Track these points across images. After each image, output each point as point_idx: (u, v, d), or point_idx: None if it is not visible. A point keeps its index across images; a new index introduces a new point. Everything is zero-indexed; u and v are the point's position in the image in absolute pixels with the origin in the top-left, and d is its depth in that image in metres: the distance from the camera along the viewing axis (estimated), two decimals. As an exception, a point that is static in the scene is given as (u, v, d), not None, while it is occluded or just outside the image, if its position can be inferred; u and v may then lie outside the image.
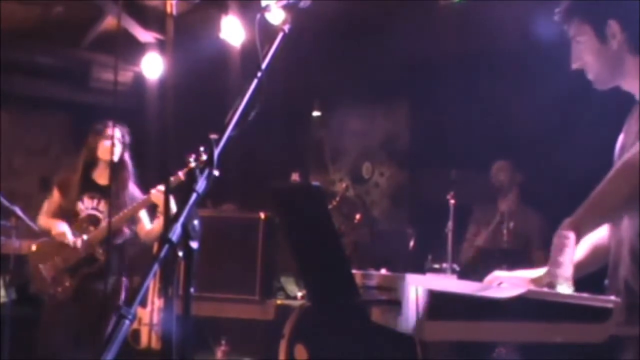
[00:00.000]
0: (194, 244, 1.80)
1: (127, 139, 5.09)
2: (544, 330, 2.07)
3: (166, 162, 4.68)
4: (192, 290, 1.84)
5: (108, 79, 7.69)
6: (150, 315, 6.24)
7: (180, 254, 1.78)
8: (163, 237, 1.74)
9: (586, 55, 2.41)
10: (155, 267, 1.70)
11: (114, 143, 4.89)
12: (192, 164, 4.72)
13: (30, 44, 7.54)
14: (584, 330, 2.06)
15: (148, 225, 5.06)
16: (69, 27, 7.33)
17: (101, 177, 5.04)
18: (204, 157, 4.53)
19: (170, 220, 1.77)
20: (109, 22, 7.13)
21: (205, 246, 1.89)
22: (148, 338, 6.22)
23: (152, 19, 6.99)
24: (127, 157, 5.08)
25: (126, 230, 5.02)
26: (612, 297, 2.09)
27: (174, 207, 4.79)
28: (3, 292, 5.60)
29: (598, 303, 2.07)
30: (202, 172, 1.86)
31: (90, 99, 7.92)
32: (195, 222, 1.80)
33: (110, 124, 5.00)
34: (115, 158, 4.97)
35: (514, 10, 5.64)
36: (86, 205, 4.96)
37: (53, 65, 7.95)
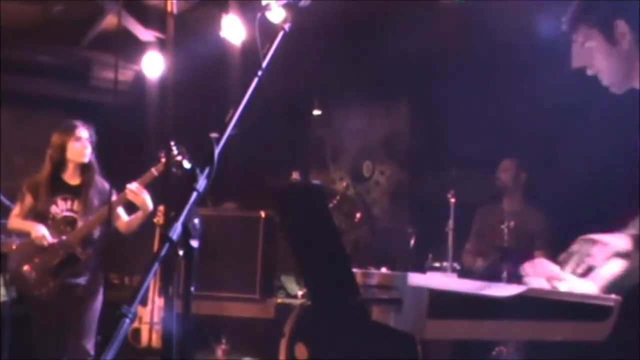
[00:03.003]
0: (195, 243, 1.80)
1: (94, 138, 5.08)
2: (544, 329, 2.07)
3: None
4: (192, 288, 1.84)
5: (108, 77, 7.69)
6: (150, 314, 6.24)
7: (181, 252, 1.78)
8: (163, 236, 1.74)
9: (598, 61, 2.36)
10: (156, 266, 1.70)
11: (85, 145, 4.96)
12: (164, 160, 4.79)
13: (30, 42, 7.54)
14: (584, 328, 2.06)
15: (125, 217, 5.07)
16: (69, 26, 7.32)
17: (71, 178, 5.03)
18: (176, 152, 4.61)
19: (170, 219, 1.77)
20: (110, 20, 7.13)
21: (206, 245, 1.89)
22: (148, 337, 6.23)
23: (153, 17, 6.98)
24: (93, 157, 5.07)
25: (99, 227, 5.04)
26: (613, 296, 2.09)
27: (149, 203, 4.88)
28: (3, 291, 5.60)
29: (598, 301, 2.07)
30: (201, 170, 1.86)
31: (91, 97, 7.92)
32: (196, 220, 1.80)
33: (79, 123, 5.00)
34: (86, 159, 4.99)
35: (515, 10, 5.64)
36: (61, 208, 4.96)
37: (53, 64, 7.95)
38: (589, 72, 2.41)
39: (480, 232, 5.88)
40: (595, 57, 2.36)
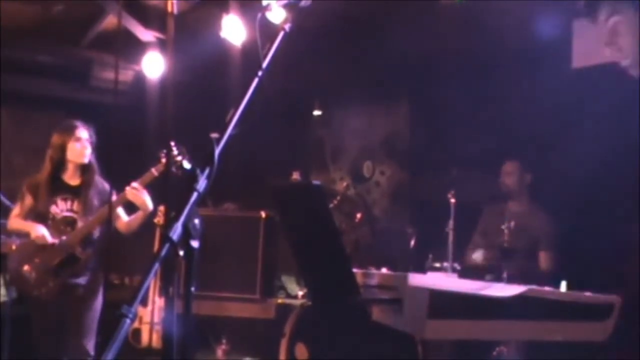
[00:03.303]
0: (195, 243, 1.80)
1: (94, 138, 5.07)
2: (545, 329, 2.07)
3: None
4: (192, 289, 1.84)
5: (109, 77, 7.68)
6: (151, 314, 6.24)
7: (181, 253, 1.78)
8: (164, 236, 1.74)
9: (623, 36, 2.30)
10: (156, 266, 1.70)
11: (85, 145, 4.95)
12: (164, 160, 4.79)
13: (30, 42, 7.53)
14: (585, 328, 2.06)
15: (125, 218, 5.07)
16: (69, 26, 7.32)
17: (71, 178, 5.02)
18: (176, 152, 4.61)
19: (170, 219, 1.77)
20: (110, 20, 7.13)
21: (206, 245, 1.89)
22: (149, 337, 6.23)
23: (153, 17, 6.97)
24: (93, 157, 5.06)
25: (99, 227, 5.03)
26: (613, 296, 2.09)
27: (149, 203, 4.88)
28: (3, 291, 5.60)
29: (599, 301, 2.07)
30: (202, 171, 1.86)
31: (91, 97, 7.92)
32: (196, 221, 1.80)
33: (79, 124, 4.99)
34: (86, 160, 4.98)
35: (515, 10, 5.64)
36: (61, 208, 4.96)
37: (53, 64, 7.94)
38: (609, 52, 2.34)
39: (485, 231, 5.88)
40: (620, 31, 2.29)
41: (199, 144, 1.96)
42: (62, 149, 4.96)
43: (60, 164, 4.99)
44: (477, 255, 5.69)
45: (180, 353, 1.82)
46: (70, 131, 4.97)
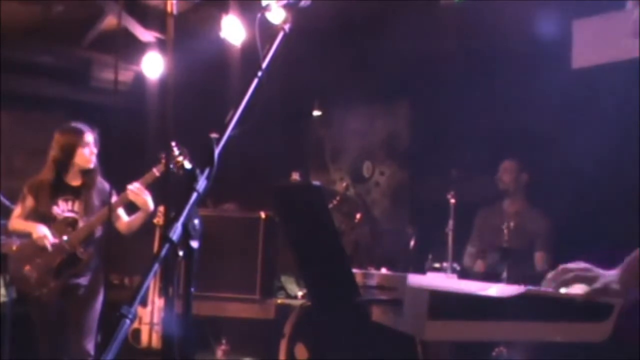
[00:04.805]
0: (195, 243, 1.80)
1: (98, 141, 5.07)
2: (544, 329, 2.07)
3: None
4: (192, 289, 1.84)
5: (108, 78, 7.69)
6: (150, 314, 6.24)
7: (181, 253, 1.78)
8: (164, 236, 1.74)
9: None
10: (156, 267, 1.70)
11: (92, 151, 4.97)
12: (164, 161, 4.79)
13: (30, 43, 7.54)
14: (585, 328, 2.05)
15: (126, 218, 5.07)
16: (69, 27, 7.32)
17: (73, 179, 5.02)
18: (177, 153, 4.61)
19: (170, 219, 1.77)
20: (110, 21, 7.13)
21: (206, 245, 1.89)
22: (149, 337, 6.22)
23: (153, 18, 6.98)
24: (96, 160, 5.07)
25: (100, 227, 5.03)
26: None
27: (151, 203, 4.88)
28: (3, 291, 5.60)
29: (599, 301, 2.07)
30: (202, 171, 1.86)
31: (91, 98, 7.92)
32: (196, 221, 1.80)
33: (85, 128, 4.98)
34: (92, 165, 4.98)
35: (515, 10, 5.64)
36: (62, 209, 4.96)
37: (53, 65, 7.95)
38: (632, 44, 2.31)
39: (482, 232, 5.87)
40: None
41: (199, 144, 1.96)
42: (70, 153, 4.94)
43: (63, 165, 4.98)
44: (479, 266, 5.68)
45: (180, 353, 1.82)
46: (78, 136, 4.95)
